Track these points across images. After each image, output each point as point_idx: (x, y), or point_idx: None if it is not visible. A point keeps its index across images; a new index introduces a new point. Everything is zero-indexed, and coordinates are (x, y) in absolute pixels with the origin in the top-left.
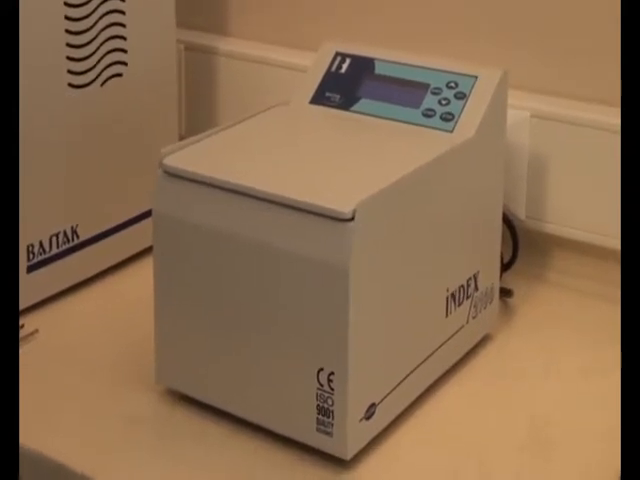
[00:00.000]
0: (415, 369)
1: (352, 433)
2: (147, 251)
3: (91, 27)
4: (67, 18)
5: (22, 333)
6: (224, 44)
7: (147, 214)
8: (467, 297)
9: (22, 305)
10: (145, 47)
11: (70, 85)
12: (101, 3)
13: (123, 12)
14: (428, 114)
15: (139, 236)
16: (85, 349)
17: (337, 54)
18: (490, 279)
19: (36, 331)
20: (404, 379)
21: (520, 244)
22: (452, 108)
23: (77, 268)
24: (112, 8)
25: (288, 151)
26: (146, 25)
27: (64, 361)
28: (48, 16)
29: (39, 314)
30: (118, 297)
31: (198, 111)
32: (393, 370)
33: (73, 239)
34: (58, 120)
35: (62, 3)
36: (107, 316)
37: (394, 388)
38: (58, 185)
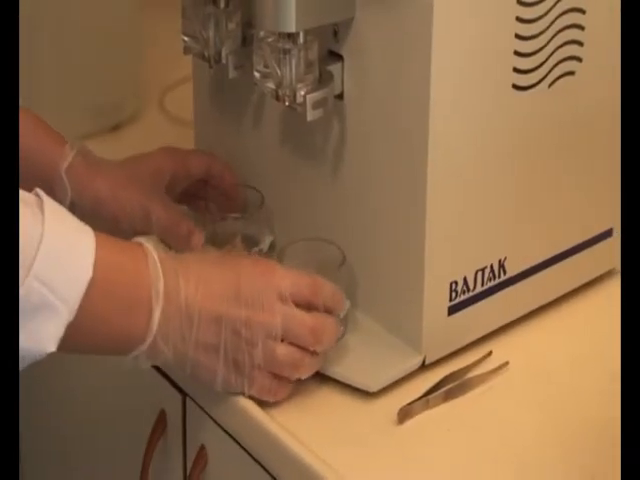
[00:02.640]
0: None
1: None
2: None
3: (545, 14)
4: (519, 2)
5: (492, 365)
6: None
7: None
8: None
9: (446, 350)
10: (604, 38)
11: (515, 87)
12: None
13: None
14: None
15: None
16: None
17: None
18: None
19: (506, 363)
20: None
21: None
22: None
23: (503, 307)
24: None
25: None
26: (608, 12)
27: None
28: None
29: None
30: None
31: None
32: None
33: (500, 275)
34: (496, 126)
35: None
36: None
37: None
38: (490, 209)
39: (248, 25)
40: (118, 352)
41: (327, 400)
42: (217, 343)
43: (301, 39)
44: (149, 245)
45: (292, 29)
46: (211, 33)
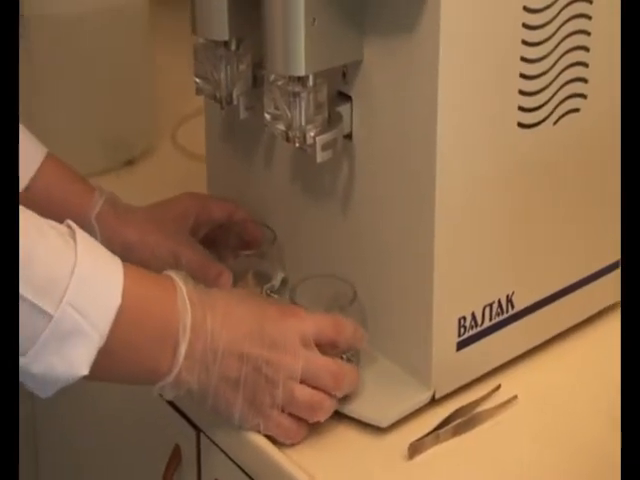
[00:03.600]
0: None
1: None
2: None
3: (549, 53)
4: (524, 42)
5: (501, 398)
6: None
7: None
8: None
9: (455, 385)
10: (608, 75)
11: (520, 125)
12: (562, 25)
13: (588, 33)
14: None
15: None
16: None
17: None
18: None
19: (514, 397)
20: None
21: None
22: None
23: (511, 341)
24: (576, 29)
25: None
26: (611, 49)
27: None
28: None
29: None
30: None
31: None
32: None
33: (507, 309)
34: (502, 164)
35: (520, 25)
36: None
37: None
38: (497, 245)
39: (259, 66)
40: (145, 382)
41: (339, 435)
42: (238, 378)
43: (310, 82)
44: (178, 278)
45: (302, 72)
46: (222, 75)
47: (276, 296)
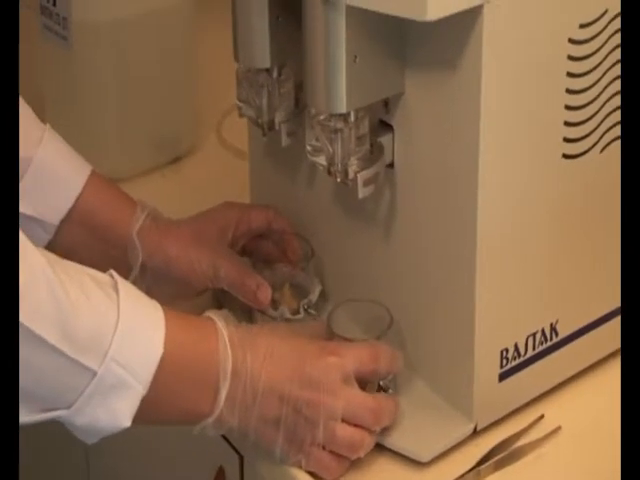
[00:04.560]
0: None
1: None
2: None
3: (594, 84)
4: (569, 74)
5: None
6: None
7: None
8: None
9: (498, 415)
10: None
11: (565, 156)
12: (608, 54)
13: None
14: None
15: None
16: None
17: None
18: None
19: (558, 428)
20: None
21: None
22: None
23: (554, 369)
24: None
25: None
26: None
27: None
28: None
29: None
30: None
31: None
32: None
33: (552, 337)
34: (545, 194)
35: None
36: None
37: None
38: (541, 274)
39: (301, 88)
40: (186, 423)
41: (379, 468)
42: (278, 418)
43: (352, 117)
44: (219, 320)
45: (343, 110)
46: (264, 101)
47: (313, 312)
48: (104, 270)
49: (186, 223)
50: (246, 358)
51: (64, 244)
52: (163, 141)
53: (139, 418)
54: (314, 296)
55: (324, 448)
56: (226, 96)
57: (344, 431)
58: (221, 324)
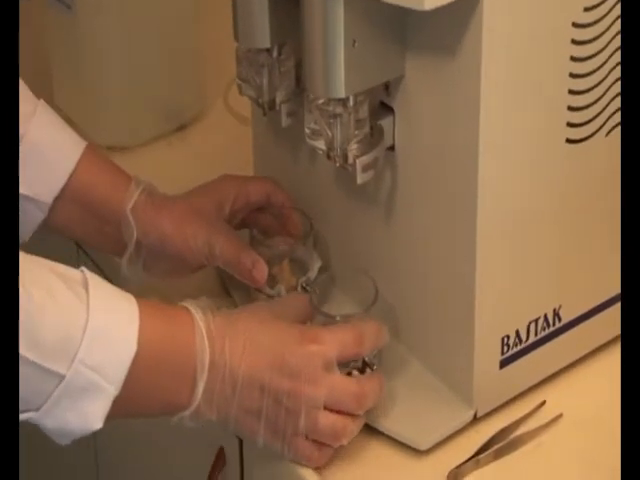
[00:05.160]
0: None
1: None
2: None
3: (598, 68)
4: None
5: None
6: None
7: None
8: None
9: (498, 402)
10: None
11: (568, 141)
12: (612, 38)
13: None
14: None
15: None
16: None
17: None
18: None
19: (560, 416)
20: None
21: None
22: None
23: (557, 354)
24: None
25: None
26: None
27: None
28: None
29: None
30: None
31: None
32: None
33: (554, 323)
34: (547, 178)
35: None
36: None
37: None
38: (543, 258)
39: (301, 66)
40: (163, 415)
41: (375, 454)
42: (259, 409)
43: (351, 102)
44: (196, 311)
45: (342, 95)
46: (265, 81)
47: (310, 289)
48: (102, 247)
49: (182, 198)
50: (224, 349)
51: (59, 222)
52: (169, 109)
53: (113, 415)
54: (313, 273)
55: (307, 437)
56: (233, 63)
57: (326, 419)
58: (198, 315)
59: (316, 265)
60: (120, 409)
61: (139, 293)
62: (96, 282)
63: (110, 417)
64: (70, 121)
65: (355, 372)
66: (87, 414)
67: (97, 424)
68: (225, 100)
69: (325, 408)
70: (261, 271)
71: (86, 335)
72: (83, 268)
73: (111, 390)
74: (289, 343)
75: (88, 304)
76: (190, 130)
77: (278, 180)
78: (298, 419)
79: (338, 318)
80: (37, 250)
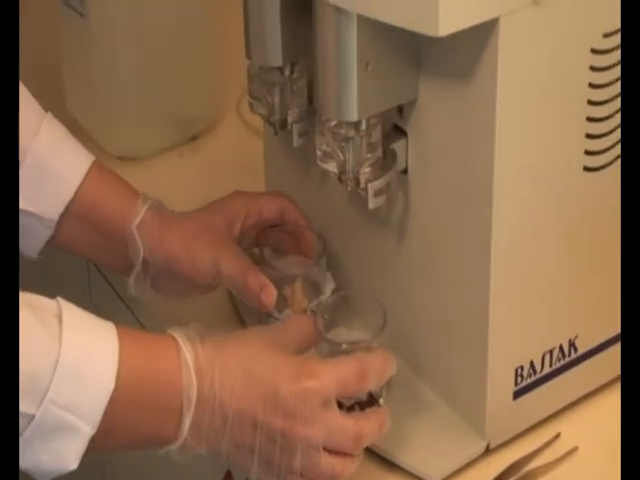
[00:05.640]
0: None
1: None
2: None
3: (617, 95)
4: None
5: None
6: None
7: None
8: None
9: (511, 434)
10: None
11: (586, 169)
12: None
13: None
14: None
15: None
16: None
17: None
18: None
19: (575, 449)
20: None
21: None
22: None
23: (572, 385)
24: None
25: None
26: None
27: None
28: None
29: None
30: None
31: None
32: None
33: (570, 353)
34: (564, 207)
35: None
36: None
37: None
38: (559, 289)
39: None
40: (149, 447)
41: None
42: (251, 445)
43: (363, 125)
44: (183, 341)
45: (354, 118)
46: (276, 100)
47: (325, 315)
48: (110, 265)
49: (190, 216)
50: (214, 381)
51: (66, 239)
52: (181, 119)
53: (93, 450)
54: (325, 296)
55: (302, 475)
56: (246, 73)
57: (325, 461)
58: (185, 346)
59: (329, 288)
60: (100, 445)
61: (149, 317)
62: (71, 312)
63: (90, 452)
64: (82, 130)
65: (357, 407)
66: (62, 455)
67: (71, 465)
68: (238, 111)
69: (322, 447)
70: (269, 295)
71: (57, 372)
72: (59, 299)
73: (86, 430)
74: (284, 378)
75: (60, 338)
76: (202, 141)
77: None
78: (293, 458)
79: (344, 346)
80: (47, 267)
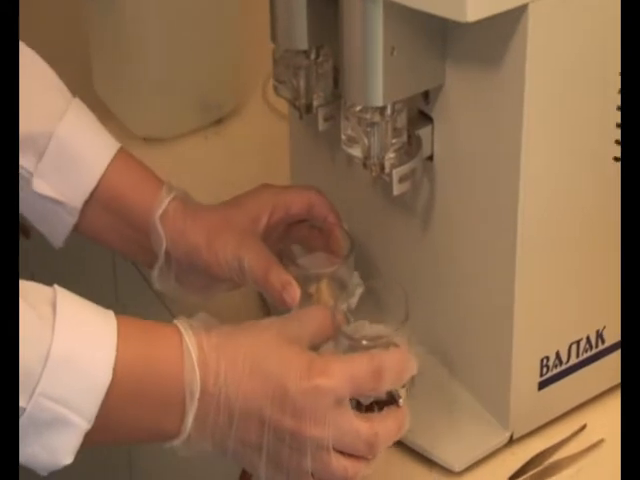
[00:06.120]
0: None
1: None
2: None
3: None
4: None
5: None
6: None
7: None
8: None
9: (535, 424)
10: None
11: (616, 159)
12: None
13: None
14: None
15: None
16: None
17: None
18: None
19: (601, 441)
20: None
21: None
22: None
23: (599, 377)
24: None
25: None
26: None
27: None
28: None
29: None
30: None
31: None
32: None
33: (597, 345)
34: (592, 195)
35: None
36: None
37: None
38: (587, 278)
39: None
40: (152, 442)
41: (407, 473)
42: (259, 444)
43: (389, 110)
44: (187, 332)
45: (379, 103)
46: (302, 83)
47: (350, 318)
48: (134, 256)
49: (215, 209)
50: (219, 376)
51: (90, 228)
52: (207, 102)
53: (91, 445)
54: (354, 299)
55: (313, 476)
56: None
57: (336, 463)
58: (188, 336)
59: (358, 290)
60: (98, 439)
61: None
62: (67, 300)
63: (87, 447)
64: (108, 111)
65: (375, 406)
66: (55, 449)
67: (65, 459)
68: (264, 95)
69: (334, 449)
70: (292, 293)
71: (49, 363)
72: (56, 286)
73: (82, 424)
74: (294, 374)
75: (53, 327)
76: (227, 124)
77: (315, 184)
78: (303, 458)
79: (364, 342)
80: (73, 257)
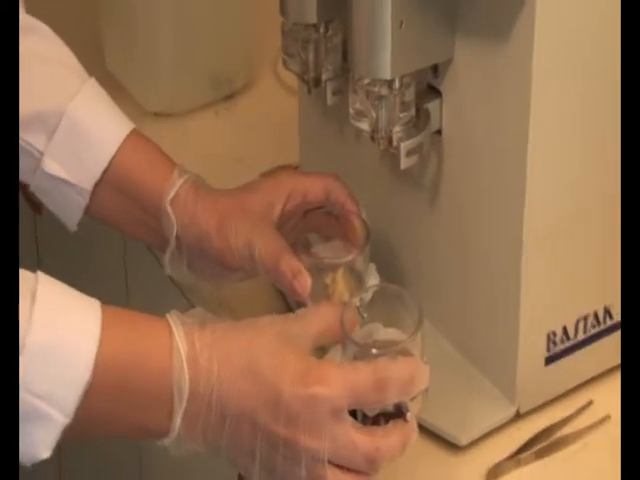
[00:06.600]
0: None
1: None
2: None
3: None
4: None
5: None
6: None
7: None
8: None
9: (542, 400)
10: None
11: None
12: None
13: None
14: None
15: None
16: None
17: None
18: None
19: (607, 417)
20: None
21: None
22: None
23: (606, 353)
24: None
25: None
26: None
27: None
28: None
29: None
30: None
31: None
32: None
33: (605, 320)
34: (600, 170)
35: None
36: None
37: None
38: (595, 252)
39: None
40: (140, 439)
41: (413, 447)
42: (252, 449)
43: (397, 84)
44: (177, 326)
45: (387, 76)
46: (310, 57)
47: (363, 314)
48: (145, 240)
49: (228, 193)
50: (212, 374)
51: (101, 210)
52: (217, 77)
53: (73, 437)
54: (368, 295)
55: None
56: None
57: (332, 476)
58: (177, 332)
59: (373, 282)
60: (79, 433)
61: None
62: (48, 288)
63: (69, 440)
64: (120, 87)
65: (382, 419)
66: (32, 443)
67: (43, 453)
68: (274, 70)
69: (330, 463)
70: (302, 282)
71: (24, 355)
72: (40, 272)
73: (59, 418)
74: (289, 379)
75: (30, 317)
76: (237, 99)
77: (323, 160)
78: (298, 468)
79: (374, 351)
80: (83, 239)
